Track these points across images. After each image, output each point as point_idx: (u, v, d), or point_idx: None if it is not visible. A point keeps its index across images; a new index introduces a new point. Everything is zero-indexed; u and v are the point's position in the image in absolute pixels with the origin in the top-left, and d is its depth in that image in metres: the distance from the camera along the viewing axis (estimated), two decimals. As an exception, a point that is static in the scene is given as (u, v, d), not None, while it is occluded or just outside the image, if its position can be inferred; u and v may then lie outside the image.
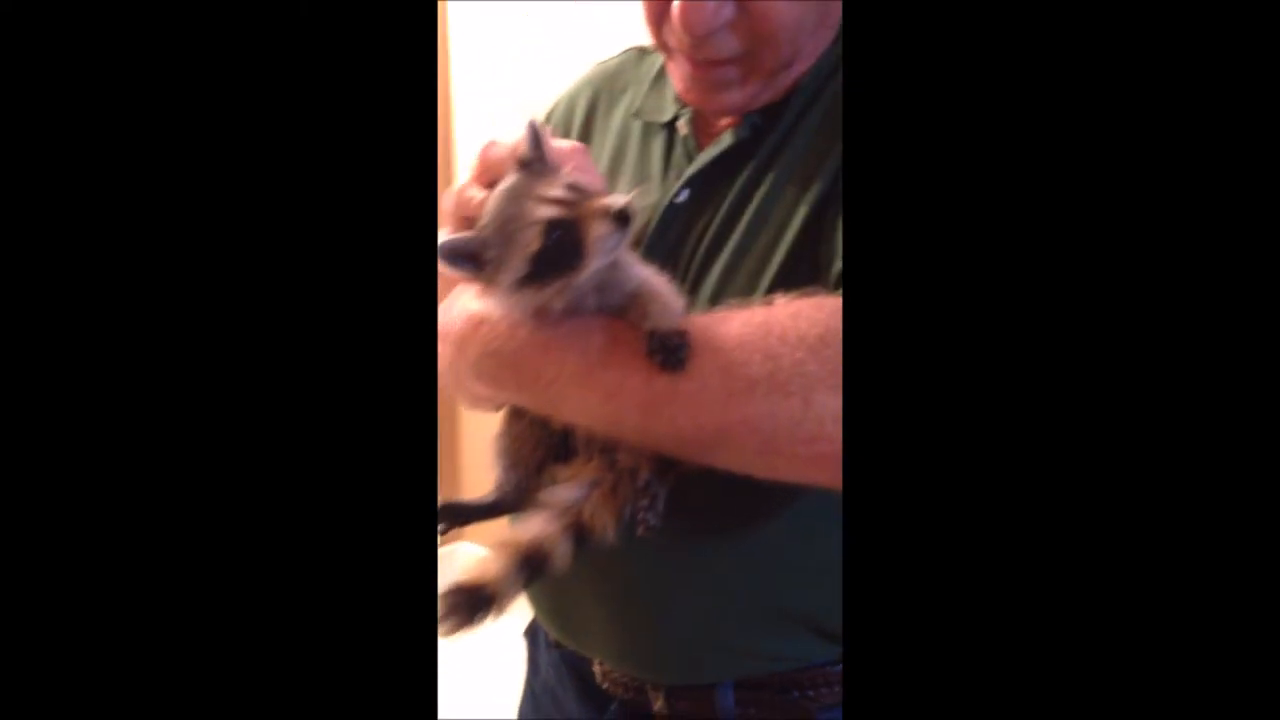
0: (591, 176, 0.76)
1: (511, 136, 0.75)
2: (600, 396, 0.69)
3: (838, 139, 0.77)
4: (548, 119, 1.05)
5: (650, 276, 0.73)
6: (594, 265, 0.68)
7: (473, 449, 2.62)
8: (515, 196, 0.69)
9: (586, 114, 1.00)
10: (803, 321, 0.65)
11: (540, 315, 0.71)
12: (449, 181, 2.59)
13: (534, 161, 0.71)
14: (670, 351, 0.66)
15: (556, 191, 0.68)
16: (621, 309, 0.71)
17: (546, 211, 0.67)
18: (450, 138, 2.58)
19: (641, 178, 0.90)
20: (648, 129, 0.93)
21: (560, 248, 0.67)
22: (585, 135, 0.98)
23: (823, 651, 0.82)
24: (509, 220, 0.68)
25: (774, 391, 0.64)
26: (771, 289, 0.75)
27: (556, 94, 1.07)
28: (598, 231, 0.66)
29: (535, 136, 0.71)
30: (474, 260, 0.69)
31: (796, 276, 0.74)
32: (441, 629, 0.72)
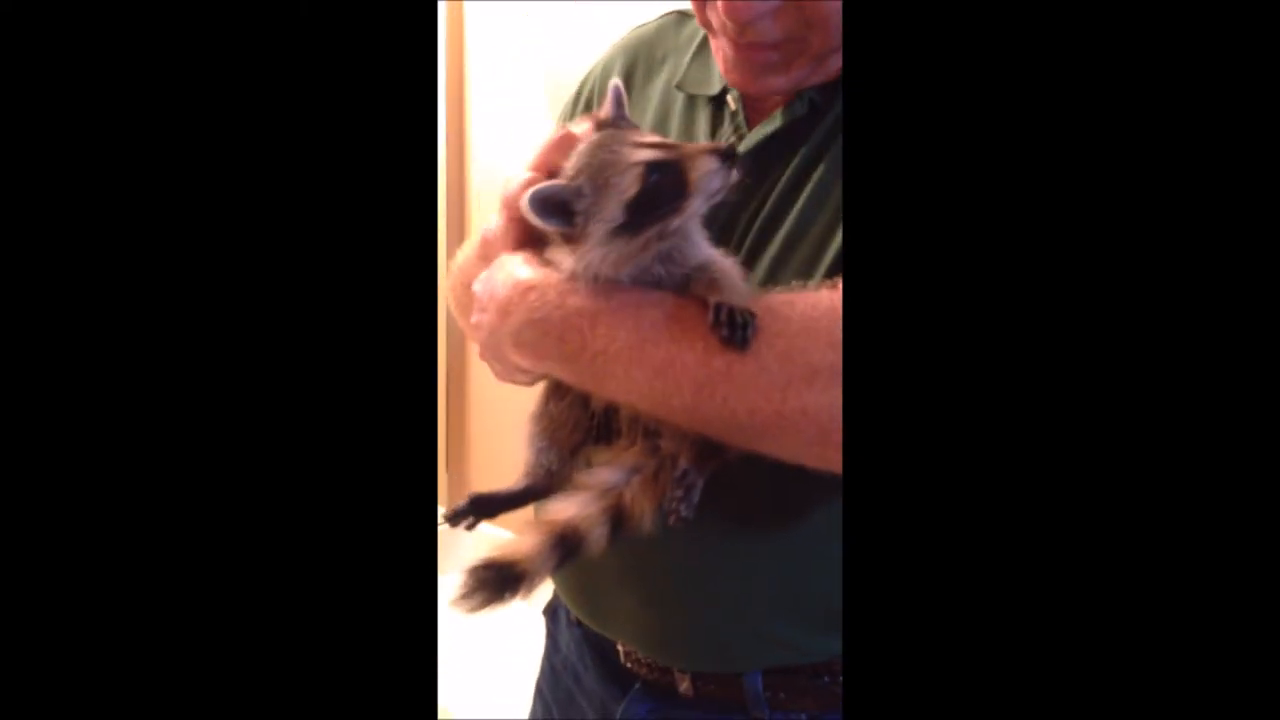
0: None
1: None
2: (650, 373, 0.67)
3: None
4: (581, 89, 1.02)
5: (719, 255, 0.71)
6: (696, 207, 0.66)
7: (480, 434, 2.61)
8: (606, 146, 0.67)
9: (623, 82, 0.97)
10: None
11: (601, 285, 0.68)
12: (463, 178, 2.55)
13: (617, 120, 0.69)
14: (736, 327, 0.64)
15: (652, 138, 0.66)
16: (685, 281, 0.69)
17: (646, 154, 0.65)
18: (465, 136, 2.54)
19: None
20: (692, 101, 0.90)
21: (660, 190, 0.65)
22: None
23: None
24: (603, 167, 0.66)
25: (835, 382, 0.62)
26: (829, 274, 0.73)
27: (586, 71, 1.04)
28: (703, 168, 0.64)
29: (619, 98, 0.69)
30: (564, 213, 0.67)
31: None
32: (467, 605, 0.71)
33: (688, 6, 0.98)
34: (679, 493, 0.71)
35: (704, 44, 0.91)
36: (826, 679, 0.82)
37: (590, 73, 1.02)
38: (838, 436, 0.62)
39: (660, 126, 0.91)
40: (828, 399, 0.62)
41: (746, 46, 0.77)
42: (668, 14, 1.00)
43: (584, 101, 1.00)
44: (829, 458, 0.65)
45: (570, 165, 0.68)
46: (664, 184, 0.65)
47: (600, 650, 0.94)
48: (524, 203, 0.66)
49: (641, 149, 0.65)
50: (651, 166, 0.65)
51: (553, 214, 0.67)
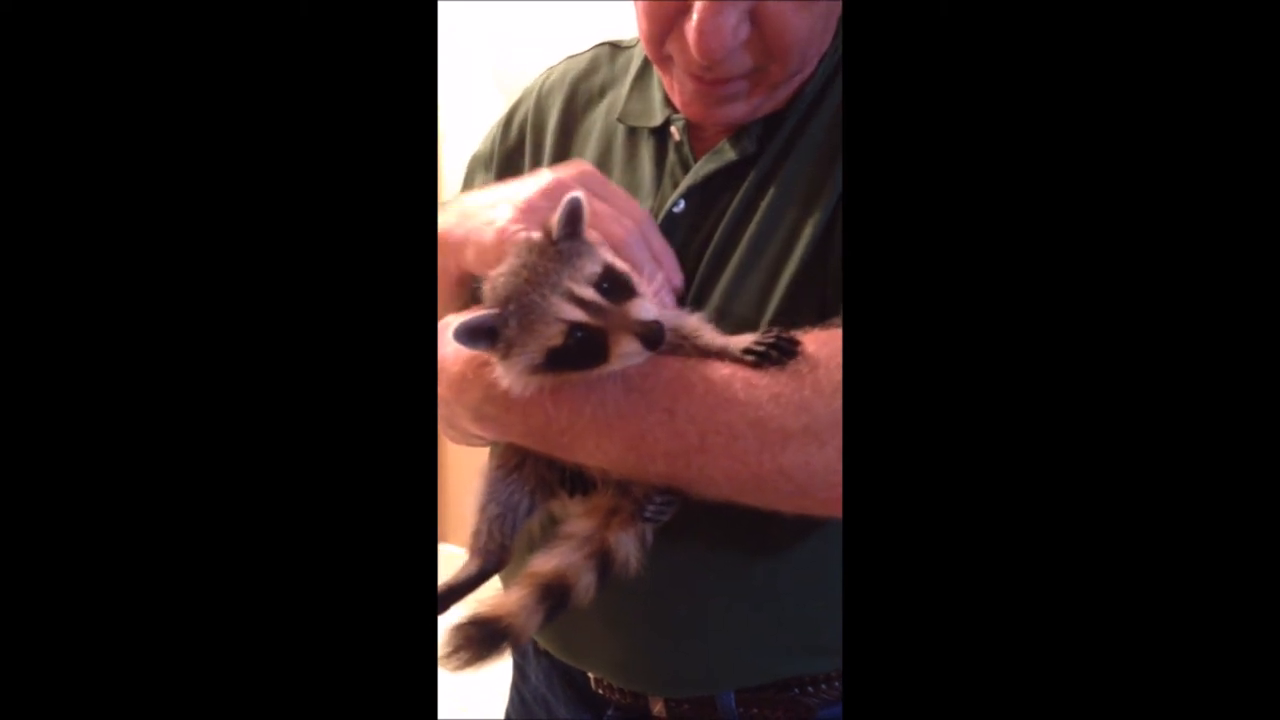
0: (602, 189, 0.72)
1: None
2: (622, 446, 0.67)
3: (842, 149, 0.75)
4: (510, 117, 1.01)
5: (680, 311, 0.72)
6: (614, 369, 0.66)
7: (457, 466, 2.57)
8: (540, 284, 0.65)
9: (562, 115, 0.96)
10: (835, 368, 0.65)
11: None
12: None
13: (565, 240, 0.67)
14: (786, 347, 0.66)
15: (586, 292, 0.64)
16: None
17: (573, 314, 0.64)
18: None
19: (630, 184, 0.87)
20: (633, 133, 0.90)
21: (580, 349, 0.65)
22: (563, 138, 0.95)
23: (829, 663, 0.84)
24: (531, 309, 0.65)
25: (809, 443, 0.64)
26: (783, 303, 0.75)
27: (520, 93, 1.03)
28: (626, 347, 0.64)
29: (574, 215, 0.67)
30: (490, 336, 0.66)
31: (809, 292, 0.74)
32: (453, 663, 0.70)
33: (618, 37, 0.98)
34: (657, 498, 0.71)
35: (641, 74, 0.92)
36: (796, 691, 0.84)
37: (523, 99, 1.01)
38: (813, 490, 0.65)
39: (603, 160, 0.91)
40: (802, 459, 0.64)
41: (711, 81, 0.77)
42: (600, 45, 0.99)
43: (517, 127, 0.99)
44: (806, 507, 0.67)
45: (500, 288, 0.67)
46: (585, 345, 0.65)
47: (570, 678, 0.94)
48: (451, 333, 0.65)
49: (571, 304, 0.64)
50: (576, 327, 0.64)
51: (479, 340, 0.66)
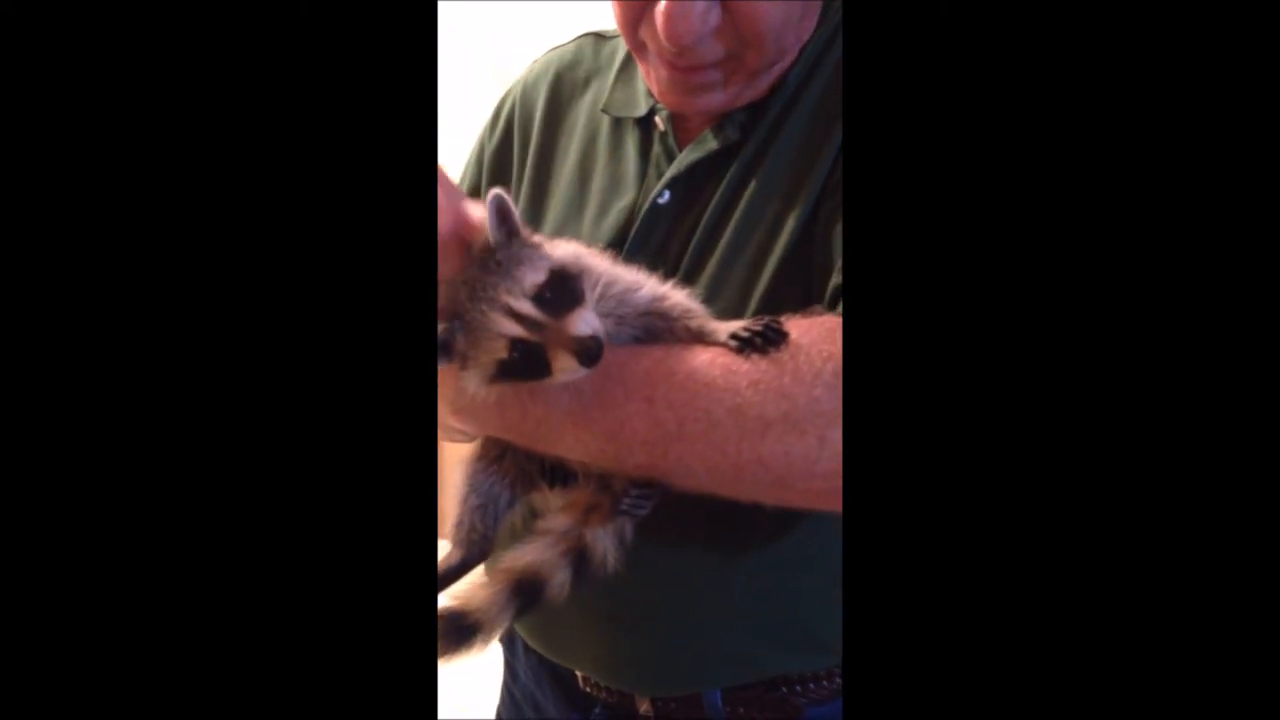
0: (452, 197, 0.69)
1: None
2: (601, 436, 0.67)
3: (828, 137, 0.75)
4: (496, 115, 1.01)
5: (664, 287, 0.71)
6: (559, 382, 0.65)
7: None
8: (478, 297, 0.65)
9: (547, 107, 0.96)
10: (816, 356, 0.64)
11: None
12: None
13: (504, 247, 0.66)
14: (757, 346, 0.65)
15: (522, 305, 0.63)
16: (644, 323, 0.69)
17: (512, 329, 0.63)
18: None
19: (616, 175, 0.87)
20: (618, 124, 0.89)
21: (524, 363, 0.64)
22: (548, 130, 0.95)
23: (816, 660, 0.83)
24: (474, 323, 0.65)
25: (789, 431, 0.63)
26: (766, 294, 0.74)
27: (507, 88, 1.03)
28: (565, 364, 0.63)
29: (502, 213, 0.66)
30: (445, 350, 0.66)
31: (793, 282, 0.73)
32: None
33: (603, 27, 0.98)
34: (634, 491, 0.70)
35: (625, 65, 0.91)
36: (784, 690, 0.84)
37: (509, 94, 1.01)
38: (793, 480, 0.64)
39: (588, 150, 0.90)
40: (781, 448, 0.63)
41: (684, 68, 0.77)
42: (583, 35, 0.99)
43: (503, 122, 0.99)
44: (787, 499, 0.66)
45: (445, 301, 0.66)
46: (527, 359, 0.64)
47: (557, 676, 0.94)
48: None
49: (510, 319, 0.63)
50: (517, 342, 0.64)
51: (440, 356, 0.65)
